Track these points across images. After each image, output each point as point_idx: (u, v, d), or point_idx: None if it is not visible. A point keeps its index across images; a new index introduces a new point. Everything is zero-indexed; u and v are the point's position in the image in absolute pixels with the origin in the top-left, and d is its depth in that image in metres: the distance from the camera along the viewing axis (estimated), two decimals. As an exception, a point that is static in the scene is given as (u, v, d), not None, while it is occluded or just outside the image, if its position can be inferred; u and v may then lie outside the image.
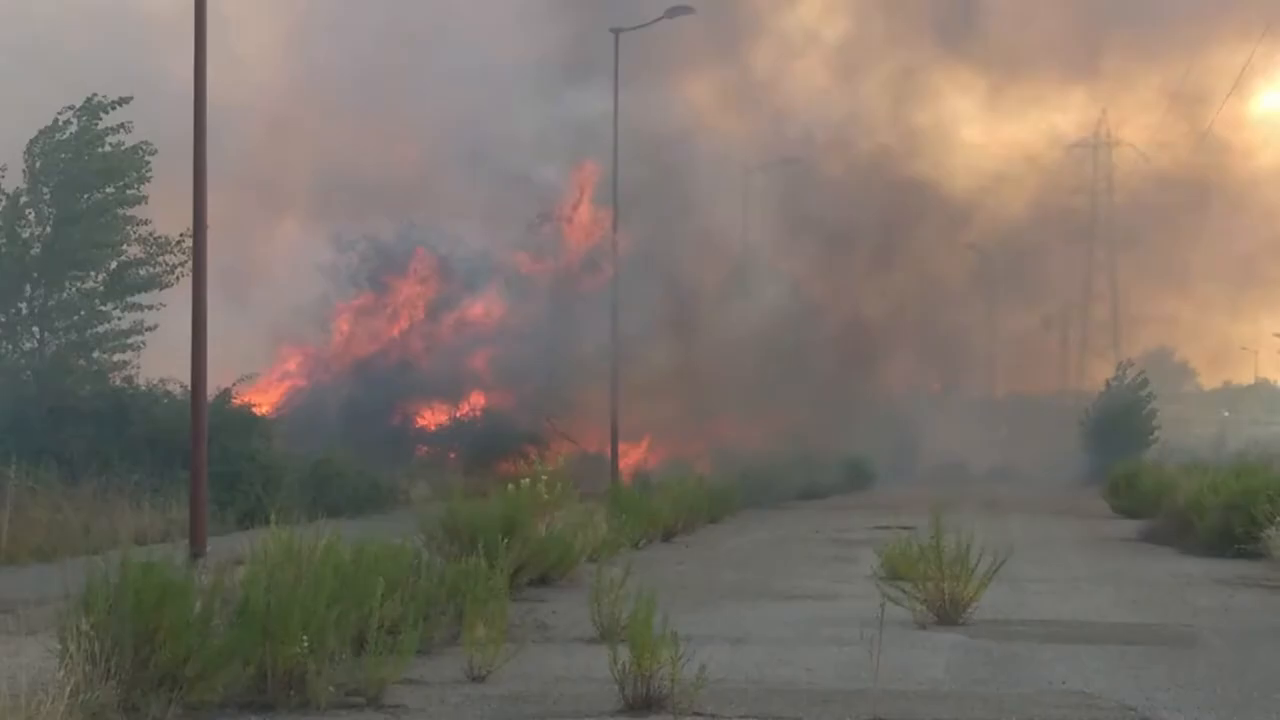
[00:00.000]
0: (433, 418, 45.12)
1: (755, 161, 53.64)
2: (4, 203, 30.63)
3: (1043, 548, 25.83)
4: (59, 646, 10.61)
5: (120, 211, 30.83)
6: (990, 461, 58.83)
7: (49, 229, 30.56)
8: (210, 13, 22.09)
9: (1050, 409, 62.11)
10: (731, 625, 15.80)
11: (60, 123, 30.81)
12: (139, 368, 31.36)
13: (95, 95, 30.81)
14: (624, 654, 11.19)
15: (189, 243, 24.45)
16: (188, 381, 23.12)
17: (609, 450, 41.10)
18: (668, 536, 27.37)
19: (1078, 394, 62.30)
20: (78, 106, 30.83)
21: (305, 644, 11.09)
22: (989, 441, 59.24)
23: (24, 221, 30.63)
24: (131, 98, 30.95)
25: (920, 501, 28.05)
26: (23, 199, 30.62)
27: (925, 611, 15.70)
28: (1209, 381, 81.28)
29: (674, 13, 41.80)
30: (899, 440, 55.36)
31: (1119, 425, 54.90)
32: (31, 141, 30.75)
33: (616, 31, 41.01)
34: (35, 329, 30.97)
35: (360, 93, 46.46)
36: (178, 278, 30.14)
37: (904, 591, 15.77)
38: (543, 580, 19.15)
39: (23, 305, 30.83)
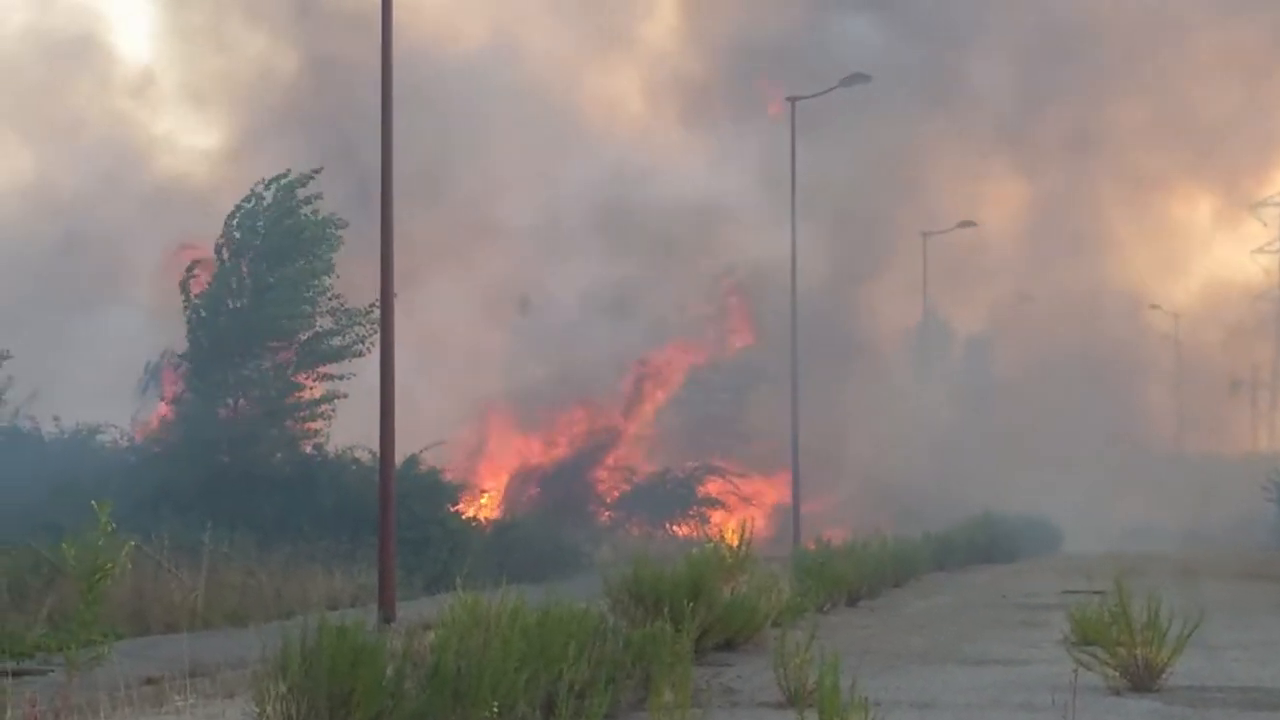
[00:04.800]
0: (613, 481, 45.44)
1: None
2: (215, 272, 31.61)
3: (1238, 612, 25.19)
4: (256, 709, 10.85)
5: (315, 282, 31.45)
6: (1180, 523, 57.65)
7: (246, 301, 31.41)
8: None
9: (1241, 470, 60.70)
10: (919, 690, 15.63)
11: (257, 194, 31.71)
12: (328, 436, 31.93)
13: (290, 171, 31.71)
14: (812, 719, 11.13)
15: (378, 313, 24.84)
16: (376, 447, 23.51)
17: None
18: (852, 600, 27.17)
19: (1270, 456, 60.83)
20: (270, 179, 31.73)
21: (495, 708, 11.19)
22: (1178, 502, 58.08)
23: (228, 293, 31.55)
24: (322, 169, 31.82)
25: (1109, 564, 27.52)
26: (227, 269, 31.56)
27: (1118, 677, 15.39)
28: None
29: (850, 81, 41.71)
30: (1085, 500, 54.62)
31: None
32: (230, 214, 31.70)
33: (793, 100, 41.02)
34: (229, 399, 31.75)
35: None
36: (369, 347, 30.45)
37: (1095, 657, 15.48)
38: (727, 644, 19.11)
39: (221, 375, 31.65)
